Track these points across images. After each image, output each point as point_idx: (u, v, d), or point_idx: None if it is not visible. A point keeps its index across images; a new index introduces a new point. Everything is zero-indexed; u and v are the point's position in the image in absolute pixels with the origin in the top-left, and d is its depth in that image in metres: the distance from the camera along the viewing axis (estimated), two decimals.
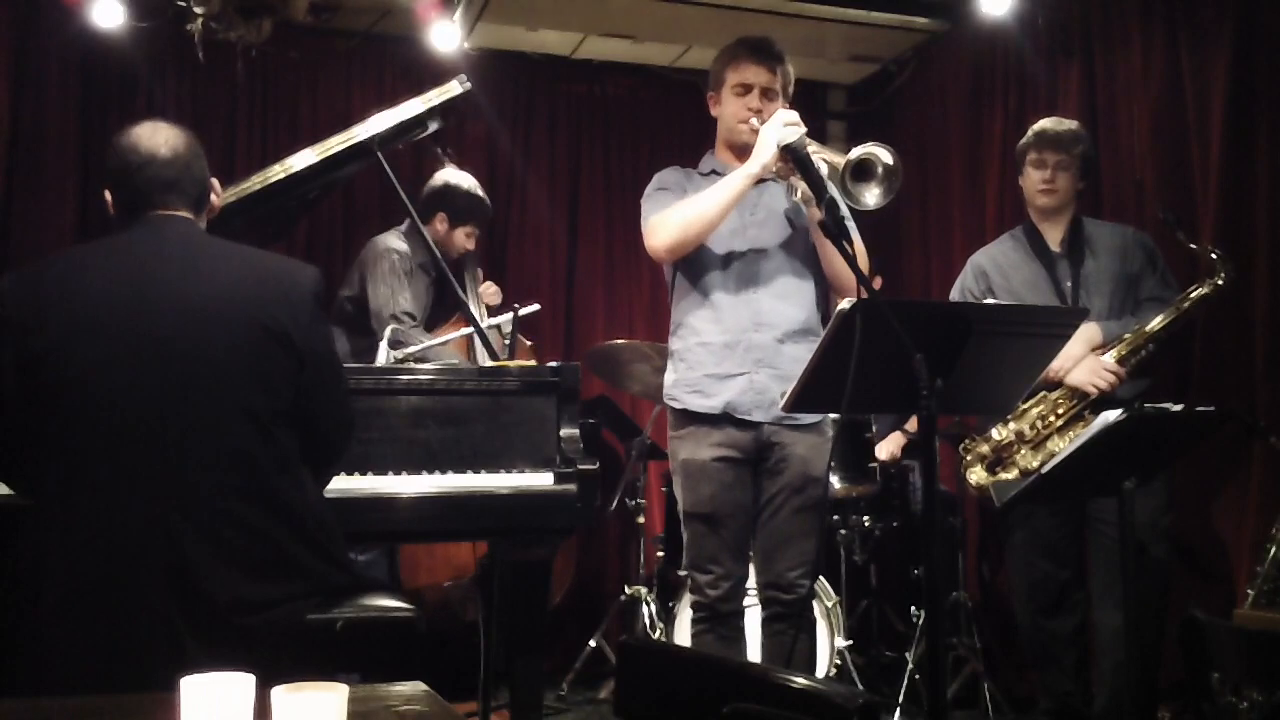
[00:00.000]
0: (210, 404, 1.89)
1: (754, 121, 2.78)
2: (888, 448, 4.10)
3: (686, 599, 3.66)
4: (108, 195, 2.09)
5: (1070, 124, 3.39)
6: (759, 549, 2.86)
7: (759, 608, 2.90)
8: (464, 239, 4.01)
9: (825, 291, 2.91)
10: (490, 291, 4.13)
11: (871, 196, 2.56)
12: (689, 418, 2.81)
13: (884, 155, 2.54)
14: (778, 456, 2.78)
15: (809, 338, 2.79)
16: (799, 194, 2.72)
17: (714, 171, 2.90)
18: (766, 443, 2.78)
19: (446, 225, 3.96)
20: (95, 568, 1.80)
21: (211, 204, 2.14)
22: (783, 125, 2.62)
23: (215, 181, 2.16)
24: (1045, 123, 3.40)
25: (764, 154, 2.64)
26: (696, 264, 2.83)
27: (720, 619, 2.79)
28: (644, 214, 2.89)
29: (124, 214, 2.05)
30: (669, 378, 2.89)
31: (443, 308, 4.00)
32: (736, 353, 2.76)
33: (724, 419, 2.76)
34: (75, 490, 1.84)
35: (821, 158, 2.61)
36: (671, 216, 2.77)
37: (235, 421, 1.90)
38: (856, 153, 2.53)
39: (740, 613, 2.84)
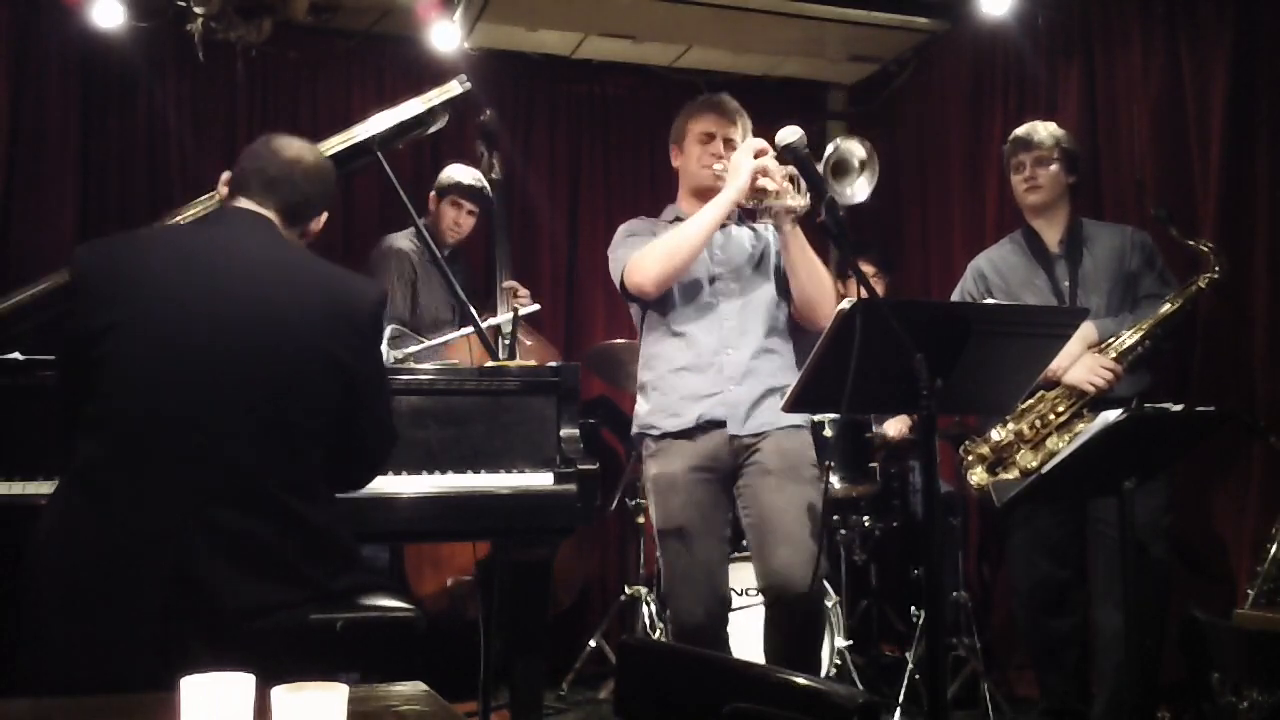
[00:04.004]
0: (241, 420, 1.87)
1: (717, 167, 2.84)
2: (896, 425, 4.08)
3: None
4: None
5: (1045, 125, 3.41)
6: (754, 546, 2.76)
7: (756, 608, 2.89)
8: (450, 216, 4.07)
9: (790, 317, 2.92)
10: (522, 296, 4.12)
11: (858, 189, 2.53)
12: (663, 437, 2.79)
13: (856, 148, 2.53)
14: (755, 453, 2.75)
15: (777, 356, 2.84)
16: (771, 216, 2.76)
17: (678, 219, 2.93)
18: (741, 447, 2.75)
19: (436, 203, 4.10)
20: (99, 571, 1.79)
21: (308, 229, 2.16)
22: (753, 152, 2.69)
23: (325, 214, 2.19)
24: (1018, 129, 3.45)
25: (740, 178, 2.69)
26: (665, 300, 2.85)
27: None
28: (616, 260, 2.92)
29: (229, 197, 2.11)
30: (642, 408, 2.87)
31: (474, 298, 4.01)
32: (709, 374, 2.78)
33: (697, 430, 2.75)
34: (89, 489, 1.83)
35: (795, 172, 2.64)
36: (654, 251, 2.79)
37: (265, 439, 1.88)
38: (829, 153, 2.51)
39: (723, 640, 2.77)
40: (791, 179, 2.69)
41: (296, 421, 1.91)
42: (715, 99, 2.99)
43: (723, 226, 2.89)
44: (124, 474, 1.83)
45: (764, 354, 2.81)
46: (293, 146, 2.11)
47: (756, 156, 2.69)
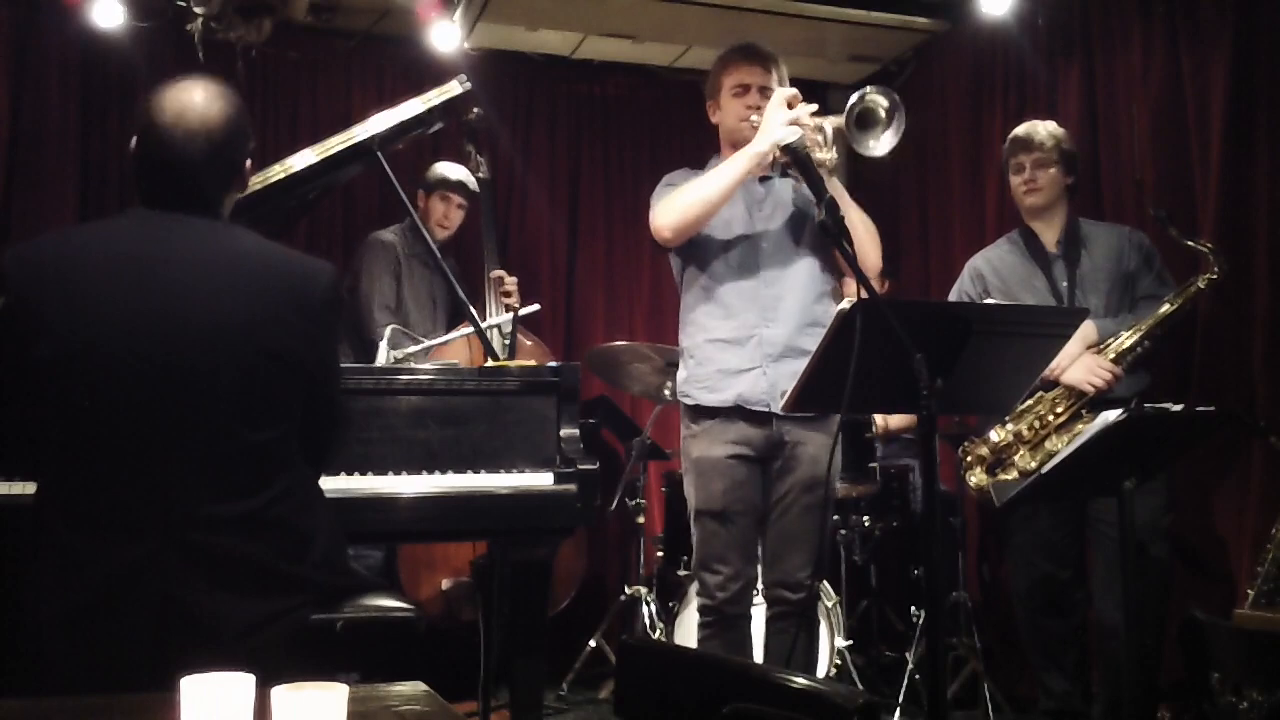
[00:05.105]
0: (211, 437, 1.81)
1: (754, 118, 2.78)
2: (895, 420, 4.09)
3: (686, 599, 3.67)
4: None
5: (1045, 125, 3.40)
6: (768, 548, 2.87)
7: (762, 608, 2.91)
8: (440, 211, 4.13)
9: (835, 279, 2.93)
10: (509, 284, 4.10)
11: (881, 143, 2.55)
12: (701, 413, 2.82)
13: (880, 98, 2.53)
14: (788, 455, 2.79)
15: (820, 326, 2.78)
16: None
17: None
18: (778, 440, 2.78)
19: (425, 200, 4.14)
20: (92, 598, 1.76)
21: (242, 181, 1.98)
22: (783, 104, 2.64)
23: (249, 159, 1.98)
24: (1018, 129, 3.44)
25: (771, 132, 2.62)
26: (705, 259, 2.84)
27: (727, 623, 2.78)
28: (651, 214, 2.90)
29: (135, 187, 1.93)
30: (681, 374, 2.90)
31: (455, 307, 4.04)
32: (747, 348, 2.77)
33: (736, 413, 2.77)
34: (73, 516, 1.79)
35: (824, 125, 2.64)
36: (676, 198, 2.78)
37: (233, 453, 1.83)
38: (854, 103, 2.52)
39: (747, 616, 2.84)
40: (821, 131, 2.66)
41: (264, 428, 1.85)
42: (748, 46, 2.91)
43: (764, 179, 2.88)
44: (102, 507, 1.78)
45: (806, 329, 2.78)
46: (183, 121, 1.86)
47: (790, 106, 2.64)
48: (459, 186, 4.14)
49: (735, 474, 2.77)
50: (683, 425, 2.91)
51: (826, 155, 2.67)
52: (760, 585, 2.94)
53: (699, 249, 2.85)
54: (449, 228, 4.17)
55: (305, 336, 1.91)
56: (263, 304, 1.86)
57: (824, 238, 2.79)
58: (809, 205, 2.84)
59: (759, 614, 2.92)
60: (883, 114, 2.56)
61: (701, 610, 2.85)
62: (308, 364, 1.92)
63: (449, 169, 4.16)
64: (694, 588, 3.41)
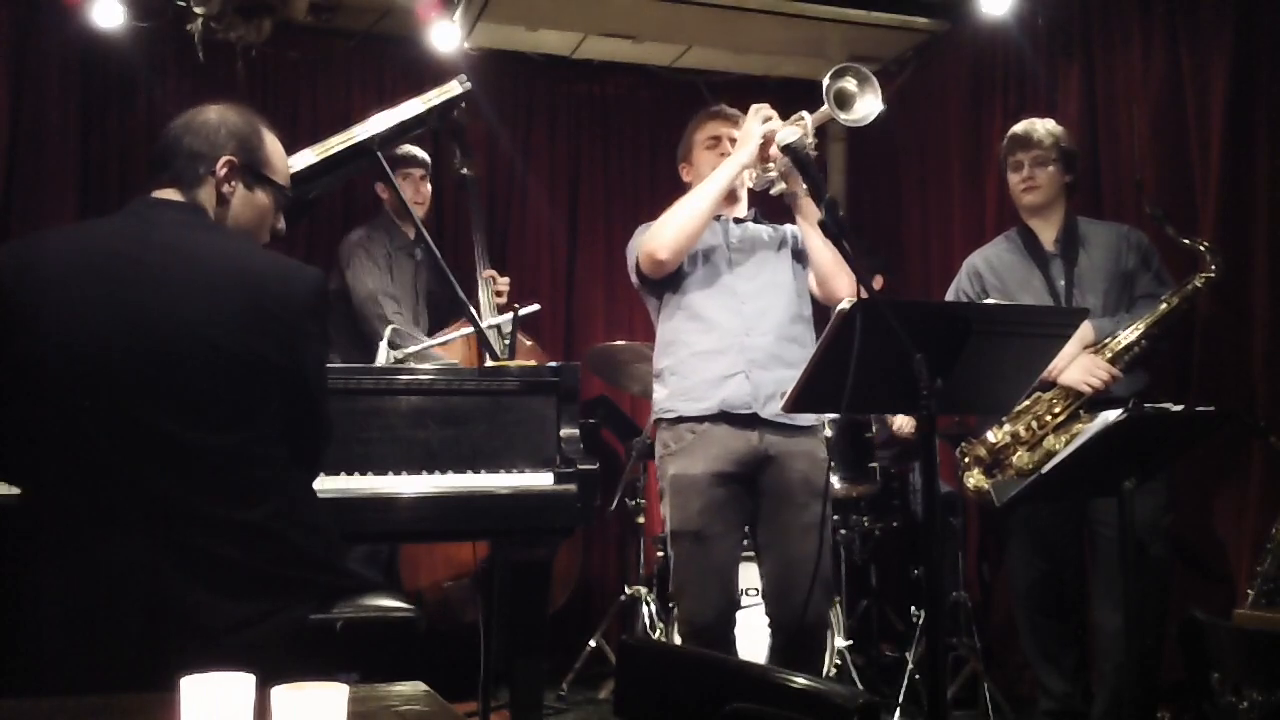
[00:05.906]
0: (195, 438, 1.80)
1: None
2: (906, 418, 4.07)
3: None
4: None
5: (1043, 123, 3.39)
6: (768, 574, 2.81)
7: (756, 608, 2.89)
8: (410, 191, 4.06)
9: (810, 306, 2.94)
10: (501, 283, 4.10)
11: (869, 106, 2.63)
12: (682, 426, 2.78)
13: (847, 78, 2.62)
14: (775, 471, 2.75)
15: (799, 344, 2.83)
16: (784, 189, 2.79)
17: None
18: (763, 455, 2.74)
19: (388, 189, 4.11)
20: (84, 602, 1.76)
21: (215, 179, 1.96)
22: (759, 117, 2.73)
23: (229, 160, 1.98)
24: (1016, 126, 3.43)
25: (750, 142, 2.74)
26: (684, 288, 2.86)
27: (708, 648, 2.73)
28: (630, 252, 2.94)
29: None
30: (660, 394, 2.87)
31: (450, 306, 4.03)
32: (729, 355, 2.77)
33: (720, 420, 2.74)
34: (60, 522, 1.79)
35: (804, 117, 2.70)
36: (665, 221, 2.80)
37: (224, 455, 1.82)
38: (827, 85, 2.60)
39: (730, 639, 2.78)
40: (802, 122, 2.71)
41: (247, 430, 1.84)
42: (714, 108, 3.06)
43: (739, 221, 2.92)
44: (82, 518, 1.77)
45: (789, 342, 2.79)
46: (186, 115, 2.01)
47: (764, 121, 2.73)
48: (413, 160, 4.11)
49: (714, 494, 2.73)
50: (659, 444, 2.86)
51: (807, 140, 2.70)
52: (765, 614, 2.85)
53: (678, 282, 2.86)
54: (424, 203, 4.15)
55: (286, 342, 1.89)
56: (245, 308, 1.86)
57: (826, 235, 2.79)
58: (784, 243, 2.94)
59: (744, 635, 2.88)
60: (854, 87, 2.64)
61: (682, 636, 2.81)
62: (290, 370, 1.91)
63: (397, 147, 4.13)
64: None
